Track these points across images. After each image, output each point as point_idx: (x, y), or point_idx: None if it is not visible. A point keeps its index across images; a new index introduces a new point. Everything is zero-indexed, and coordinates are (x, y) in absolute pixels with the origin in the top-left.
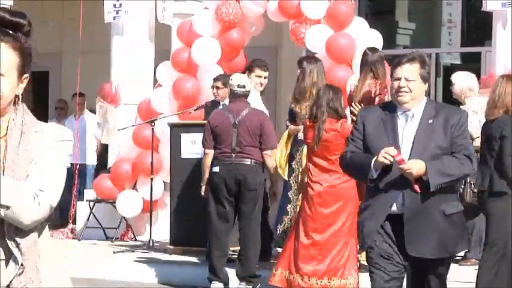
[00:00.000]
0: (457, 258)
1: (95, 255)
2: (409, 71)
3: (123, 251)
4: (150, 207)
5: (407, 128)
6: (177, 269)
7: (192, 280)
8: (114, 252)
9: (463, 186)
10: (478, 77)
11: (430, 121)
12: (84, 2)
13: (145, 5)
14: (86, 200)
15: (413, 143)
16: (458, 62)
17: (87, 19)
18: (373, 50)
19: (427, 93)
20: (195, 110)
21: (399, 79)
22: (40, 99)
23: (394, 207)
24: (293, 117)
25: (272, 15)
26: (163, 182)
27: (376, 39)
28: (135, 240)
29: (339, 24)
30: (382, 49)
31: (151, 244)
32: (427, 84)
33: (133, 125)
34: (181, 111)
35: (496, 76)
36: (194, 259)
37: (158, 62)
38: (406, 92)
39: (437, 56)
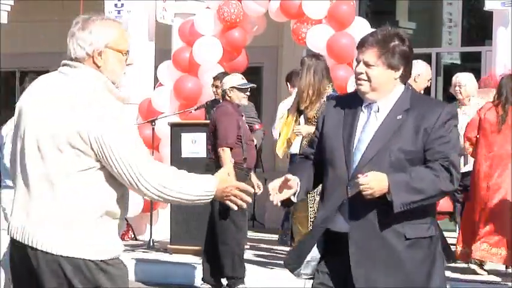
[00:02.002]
0: None
1: None
2: (370, 53)
3: (123, 251)
4: (150, 206)
5: (369, 124)
6: (177, 269)
7: (192, 280)
8: None
9: None
10: (479, 76)
11: (399, 117)
12: (86, 1)
13: (146, 4)
14: None
15: (369, 143)
16: (458, 61)
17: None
18: None
19: (426, 91)
20: (195, 110)
21: (358, 63)
22: None
23: (340, 224)
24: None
25: (273, 15)
26: None
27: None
28: (136, 239)
29: (340, 24)
30: None
31: (151, 244)
32: (399, 71)
33: (134, 125)
34: (182, 111)
35: (496, 76)
36: (194, 259)
37: (159, 62)
38: (364, 80)
39: (438, 56)
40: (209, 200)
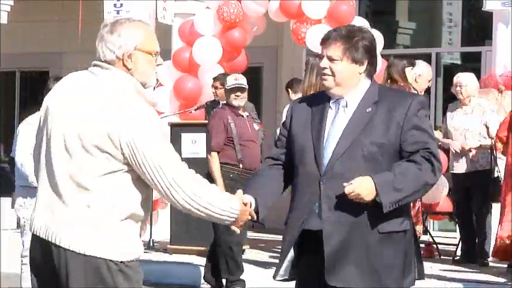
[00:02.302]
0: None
1: None
2: (334, 48)
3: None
4: (150, 207)
5: (338, 119)
6: (177, 269)
7: (192, 280)
8: None
9: (491, 181)
10: (478, 76)
11: (369, 109)
12: (86, 1)
13: (146, 4)
14: None
15: (340, 138)
16: (458, 61)
17: (88, 19)
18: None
19: (426, 92)
20: (195, 110)
21: (322, 58)
22: (40, 97)
23: (314, 223)
24: None
25: (273, 15)
26: None
27: (376, 39)
28: None
29: (339, 24)
30: (383, 49)
31: (151, 244)
32: (363, 65)
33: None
34: (182, 111)
35: (496, 76)
36: (194, 259)
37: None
38: (328, 75)
39: (438, 56)
40: (231, 220)
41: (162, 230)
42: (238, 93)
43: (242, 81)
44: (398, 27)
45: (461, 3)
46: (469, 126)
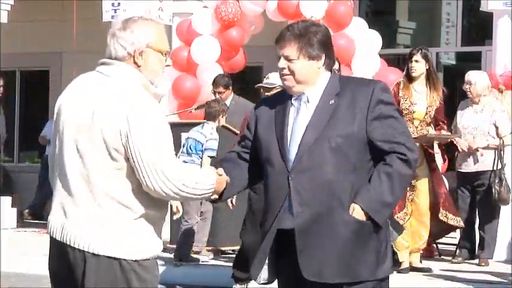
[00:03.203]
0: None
1: None
2: (289, 48)
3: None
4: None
5: (300, 116)
6: (177, 268)
7: (193, 280)
8: None
9: (497, 181)
10: None
11: (331, 101)
12: (84, 1)
13: (143, 4)
14: None
15: (304, 133)
16: (458, 61)
17: (88, 18)
18: None
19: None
20: (195, 110)
21: (279, 58)
22: (40, 97)
23: (287, 221)
24: None
25: (271, 15)
26: None
27: (375, 39)
28: None
29: (338, 24)
30: (382, 49)
31: None
32: (321, 60)
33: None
34: (181, 110)
35: (496, 75)
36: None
37: None
38: (287, 75)
39: (438, 56)
40: (209, 195)
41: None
42: (267, 94)
43: (268, 80)
44: (399, 27)
45: (461, 3)
46: (478, 125)
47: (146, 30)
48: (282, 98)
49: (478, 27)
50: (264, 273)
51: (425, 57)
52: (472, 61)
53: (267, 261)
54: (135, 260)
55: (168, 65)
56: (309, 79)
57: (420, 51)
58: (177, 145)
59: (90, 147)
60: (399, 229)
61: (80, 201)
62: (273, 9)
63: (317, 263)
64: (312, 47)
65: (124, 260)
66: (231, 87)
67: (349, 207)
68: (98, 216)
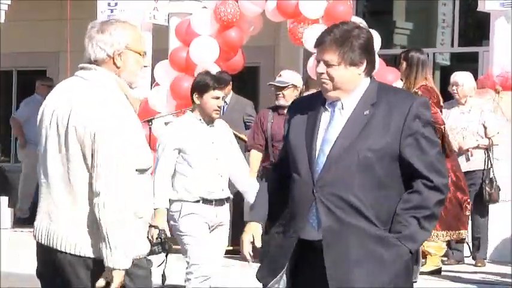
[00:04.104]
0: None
1: None
2: (330, 53)
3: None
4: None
5: (333, 124)
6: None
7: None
8: None
9: (487, 182)
10: (476, 77)
11: (366, 112)
12: (81, 1)
13: (142, 4)
14: None
15: (334, 143)
16: (455, 62)
17: (85, 18)
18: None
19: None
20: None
21: (318, 62)
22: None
23: (311, 233)
24: None
25: (270, 15)
26: None
27: (374, 39)
28: None
29: None
30: (380, 49)
31: None
32: (362, 66)
33: (138, 128)
34: (179, 111)
35: (493, 76)
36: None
37: (156, 61)
38: (326, 79)
39: (435, 56)
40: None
41: None
42: (278, 92)
43: (280, 78)
44: (396, 27)
45: (459, 3)
46: (468, 125)
47: (124, 32)
48: (316, 101)
49: (475, 28)
50: (279, 283)
51: (405, 58)
52: (469, 62)
53: (283, 271)
54: None
55: (145, 66)
56: (348, 86)
57: (403, 53)
58: None
59: (69, 150)
60: (417, 260)
61: (63, 204)
62: (272, 10)
63: (346, 274)
64: (353, 53)
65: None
66: (230, 83)
67: (374, 220)
68: (81, 219)
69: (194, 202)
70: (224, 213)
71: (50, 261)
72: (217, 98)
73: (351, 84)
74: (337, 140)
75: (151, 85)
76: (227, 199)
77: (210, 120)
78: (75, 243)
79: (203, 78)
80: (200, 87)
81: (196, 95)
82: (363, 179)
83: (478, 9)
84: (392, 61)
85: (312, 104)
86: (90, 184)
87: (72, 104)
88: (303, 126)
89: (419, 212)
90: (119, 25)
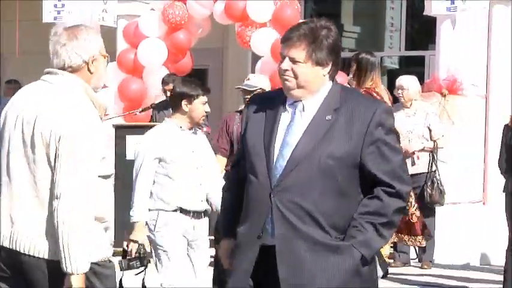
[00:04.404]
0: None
1: None
2: (297, 50)
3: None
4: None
5: (293, 126)
6: None
7: None
8: None
9: (429, 183)
10: (422, 80)
11: (328, 117)
12: (31, 2)
13: (89, 5)
14: None
15: (295, 147)
16: (402, 65)
17: (31, 19)
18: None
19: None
20: (140, 112)
21: (283, 58)
22: None
23: (267, 238)
24: None
25: (218, 18)
26: None
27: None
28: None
29: (284, 27)
30: None
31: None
32: (328, 67)
33: (104, 135)
34: (126, 113)
35: (439, 80)
36: None
37: None
38: (290, 76)
39: (382, 60)
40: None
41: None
42: (246, 96)
43: (248, 82)
44: (344, 30)
45: (405, 7)
46: (413, 128)
47: (95, 37)
48: (276, 100)
49: (422, 32)
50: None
51: (355, 60)
52: (416, 65)
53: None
54: (94, 262)
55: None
56: (311, 85)
57: (355, 55)
58: (123, 147)
59: (35, 153)
60: (384, 267)
61: (28, 208)
62: (220, 12)
63: (296, 282)
64: (321, 52)
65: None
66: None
67: (329, 230)
68: (47, 222)
69: (172, 211)
70: (202, 226)
71: (12, 264)
72: (205, 103)
73: (314, 85)
74: (298, 145)
75: None
76: (205, 212)
77: (191, 128)
78: (45, 247)
79: (189, 85)
80: (189, 95)
81: (185, 102)
82: (323, 187)
83: (424, 13)
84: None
85: (271, 102)
86: (60, 188)
87: (39, 108)
88: (261, 126)
89: (376, 219)
90: (90, 30)
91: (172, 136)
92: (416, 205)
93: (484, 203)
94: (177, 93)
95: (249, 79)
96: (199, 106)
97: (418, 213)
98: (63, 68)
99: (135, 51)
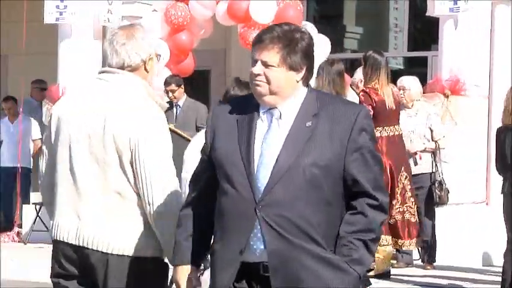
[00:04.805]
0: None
1: (41, 258)
2: (270, 53)
3: None
4: None
5: (271, 135)
6: None
7: None
8: None
9: (437, 184)
10: (425, 81)
11: (309, 124)
12: (34, 2)
13: (92, 6)
14: (33, 203)
15: (278, 157)
16: (405, 66)
17: (35, 20)
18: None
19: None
20: None
21: (255, 62)
22: None
23: (252, 255)
24: None
25: (221, 19)
26: None
27: (324, 43)
28: None
29: None
30: (330, 53)
31: None
32: (302, 72)
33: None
34: None
35: (442, 80)
36: None
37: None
38: (262, 82)
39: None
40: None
41: None
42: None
43: None
44: (346, 31)
45: (408, 8)
46: (414, 128)
47: (150, 36)
48: (247, 106)
49: (425, 33)
50: None
51: (364, 58)
52: (419, 66)
53: None
54: (152, 257)
55: None
56: (285, 91)
57: (365, 53)
58: None
59: (106, 153)
60: (368, 283)
61: (95, 204)
62: (222, 13)
63: None
64: (295, 56)
65: (145, 257)
66: (182, 86)
67: (321, 242)
68: (115, 218)
69: None
70: None
71: (80, 260)
72: None
73: (287, 90)
74: (281, 156)
75: None
76: None
77: None
78: (111, 242)
79: (244, 89)
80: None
81: None
82: (310, 198)
83: (427, 14)
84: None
85: (243, 109)
86: (130, 188)
87: (107, 108)
88: (234, 135)
89: (366, 235)
90: (143, 29)
91: None
92: (415, 206)
93: (487, 204)
94: (232, 96)
95: None
96: None
97: (416, 214)
98: (122, 67)
99: None
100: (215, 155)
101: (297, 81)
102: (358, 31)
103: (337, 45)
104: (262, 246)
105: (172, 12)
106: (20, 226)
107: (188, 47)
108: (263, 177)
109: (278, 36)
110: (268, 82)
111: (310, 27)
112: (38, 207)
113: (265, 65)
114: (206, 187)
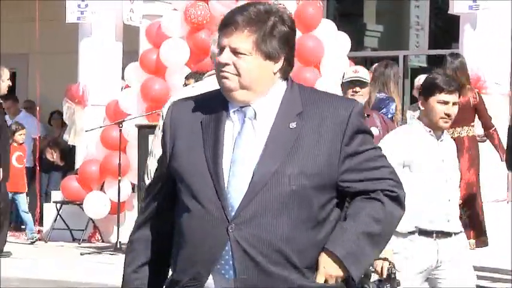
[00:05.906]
0: None
1: (61, 257)
2: (241, 38)
3: (90, 253)
4: (117, 208)
5: (244, 138)
6: None
7: None
8: (81, 254)
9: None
10: None
11: (293, 125)
12: (54, 2)
13: (113, 5)
14: (53, 202)
15: (256, 166)
16: (425, 64)
17: (55, 19)
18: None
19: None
20: None
21: (222, 49)
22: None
23: (220, 282)
24: None
25: None
26: (131, 183)
27: (344, 41)
28: (103, 241)
29: (306, 26)
30: (350, 51)
31: (118, 246)
32: (279, 62)
33: (101, 127)
34: (149, 113)
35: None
36: None
37: (126, 63)
38: (230, 73)
39: (405, 58)
40: None
41: (129, 231)
42: (357, 89)
43: (362, 73)
44: (366, 29)
45: (429, 6)
46: None
47: None
48: (211, 104)
49: (446, 30)
50: None
51: (371, 70)
52: (439, 64)
53: None
54: None
55: None
56: (259, 85)
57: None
58: (145, 147)
59: None
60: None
61: None
62: None
63: None
64: (271, 41)
65: None
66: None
67: (302, 269)
68: None
69: (408, 233)
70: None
71: None
72: (446, 103)
73: (262, 84)
74: (259, 164)
75: (121, 87)
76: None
77: (438, 132)
78: None
79: (432, 77)
80: (426, 89)
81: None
82: (295, 216)
83: (448, 12)
84: (363, 63)
85: (206, 108)
86: None
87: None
88: (198, 138)
89: (373, 227)
90: None
91: (418, 140)
92: None
93: (507, 202)
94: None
95: (357, 71)
96: (436, 105)
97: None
98: None
99: (158, 52)
100: (175, 165)
101: (274, 73)
102: (379, 29)
103: (357, 44)
104: (232, 274)
105: (192, 11)
106: (41, 224)
107: (208, 45)
108: (236, 190)
109: (250, 17)
110: (239, 74)
111: (329, 25)
112: (58, 205)
113: (235, 52)
114: (164, 204)
